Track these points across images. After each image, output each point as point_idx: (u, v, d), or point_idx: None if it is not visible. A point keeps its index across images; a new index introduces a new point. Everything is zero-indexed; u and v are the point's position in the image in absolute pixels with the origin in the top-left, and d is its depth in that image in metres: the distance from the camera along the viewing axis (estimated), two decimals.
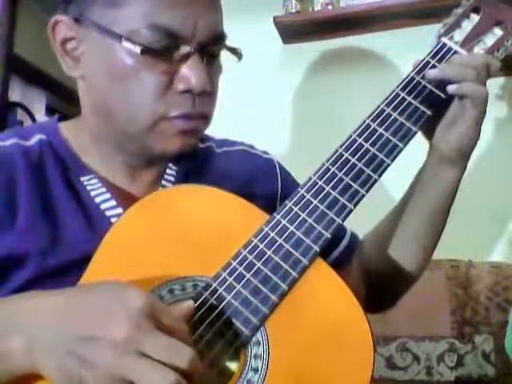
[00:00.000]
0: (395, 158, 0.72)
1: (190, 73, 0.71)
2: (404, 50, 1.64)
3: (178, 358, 0.52)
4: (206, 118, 0.75)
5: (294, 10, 1.74)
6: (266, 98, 1.84)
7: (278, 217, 0.68)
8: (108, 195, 0.76)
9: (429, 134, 0.79)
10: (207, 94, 0.73)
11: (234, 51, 0.77)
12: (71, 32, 0.73)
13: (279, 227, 0.67)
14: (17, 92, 1.72)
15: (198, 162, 0.85)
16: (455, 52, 0.77)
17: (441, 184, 0.80)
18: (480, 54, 0.76)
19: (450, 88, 0.74)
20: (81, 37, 0.73)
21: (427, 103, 0.75)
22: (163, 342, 0.53)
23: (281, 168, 0.93)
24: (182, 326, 0.57)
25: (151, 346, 0.52)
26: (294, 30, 1.78)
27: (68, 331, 0.54)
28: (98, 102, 0.75)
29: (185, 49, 0.71)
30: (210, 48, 0.74)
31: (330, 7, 1.74)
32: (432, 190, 0.81)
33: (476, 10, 0.80)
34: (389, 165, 0.71)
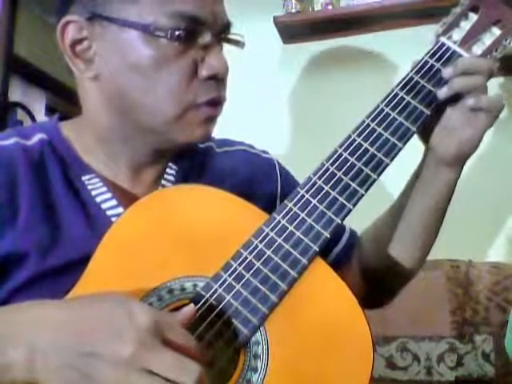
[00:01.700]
0: (394, 157, 0.72)
1: (214, 58, 0.72)
2: (404, 50, 1.64)
3: (185, 375, 0.52)
4: (222, 105, 0.77)
5: (294, 10, 1.74)
6: (266, 98, 1.84)
7: (278, 217, 0.68)
8: (109, 195, 0.76)
9: (425, 136, 0.79)
10: (224, 80, 0.75)
11: (237, 41, 0.78)
12: (82, 33, 0.73)
13: (278, 227, 0.67)
14: (17, 92, 1.72)
15: (198, 162, 0.85)
16: (454, 52, 0.77)
17: (438, 186, 0.80)
18: (485, 61, 0.75)
19: (469, 102, 0.73)
20: (94, 36, 0.73)
21: (426, 103, 0.74)
22: (169, 359, 0.52)
23: (280, 168, 0.93)
24: (189, 340, 0.56)
25: (157, 363, 0.52)
26: (293, 30, 1.79)
27: (71, 346, 0.53)
28: (117, 100, 0.74)
29: (208, 35, 0.72)
30: (223, 35, 0.76)
31: (329, 7, 1.74)
32: (429, 191, 0.81)
33: (474, 10, 0.80)
34: (388, 164, 0.71)
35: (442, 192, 0.80)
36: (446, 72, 0.75)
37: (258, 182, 0.88)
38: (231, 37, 0.77)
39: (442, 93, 0.74)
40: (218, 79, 0.73)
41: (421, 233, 0.84)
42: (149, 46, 0.71)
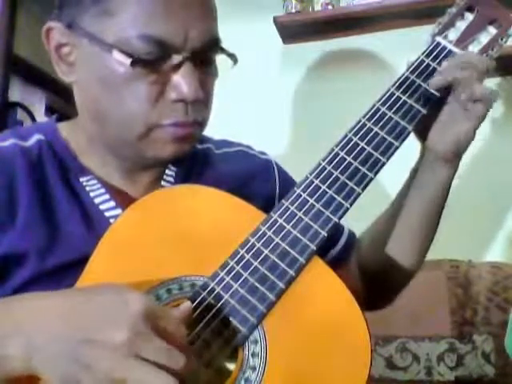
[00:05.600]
0: (391, 156, 0.72)
1: (181, 82, 0.70)
2: (404, 49, 1.64)
3: (173, 365, 0.53)
4: (200, 125, 0.75)
5: (293, 10, 1.74)
6: (266, 98, 1.84)
7: (275, 216, 0.68)
8: (107, 196, 0.76)
9: (422, 134, 0.79)
10: (201, 101, 0.72)
11: (230, 55, 0.76)
12: (64, 38, 0.73)
13: (276, 226, 0.67)
14: (17, 92, 1.72)
15: (197, 163, 0.85)
16: (450, 51, 0.78)
17: (436, 183, 0.80)
18: (480, 56, 0.76)
19: (463, 95, 0.73)
20: (73, 43, 0.73)
21: (422, 102, 0.75)
22: (159, 347, 0.53)
23: (279, 168, 0.93)
24: (181, 329, 0.57)
25: (151, 350, 0.53)
26: (294, 30, 1.79)
27: (68, 334, 0.54)
28: (92, 107, 0.75)
29: (176, 58, 0.70)
30: (204, 55, 0.73)
31: (330, 7, 1.75)
32: (428, 188, 0.81)
33: (470, 9, 0.80)
34: (384, 163, 0.71)
35: (442, 189, 0.80)
36: (443, 65, 0.75)
37: (257, 182, 0.87)
38: (208, 56, 0.74)
39: (435, 82, 0.75)
40: (187, 102, 0.71)
41: (419, 232, 0.84)
42: (114, 64, 0.69)
